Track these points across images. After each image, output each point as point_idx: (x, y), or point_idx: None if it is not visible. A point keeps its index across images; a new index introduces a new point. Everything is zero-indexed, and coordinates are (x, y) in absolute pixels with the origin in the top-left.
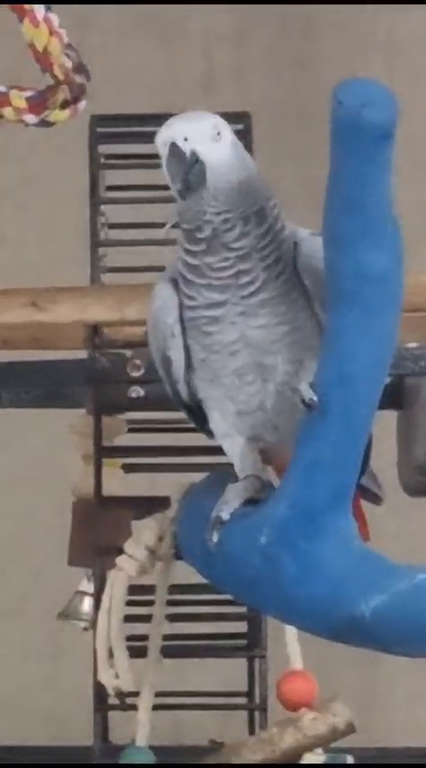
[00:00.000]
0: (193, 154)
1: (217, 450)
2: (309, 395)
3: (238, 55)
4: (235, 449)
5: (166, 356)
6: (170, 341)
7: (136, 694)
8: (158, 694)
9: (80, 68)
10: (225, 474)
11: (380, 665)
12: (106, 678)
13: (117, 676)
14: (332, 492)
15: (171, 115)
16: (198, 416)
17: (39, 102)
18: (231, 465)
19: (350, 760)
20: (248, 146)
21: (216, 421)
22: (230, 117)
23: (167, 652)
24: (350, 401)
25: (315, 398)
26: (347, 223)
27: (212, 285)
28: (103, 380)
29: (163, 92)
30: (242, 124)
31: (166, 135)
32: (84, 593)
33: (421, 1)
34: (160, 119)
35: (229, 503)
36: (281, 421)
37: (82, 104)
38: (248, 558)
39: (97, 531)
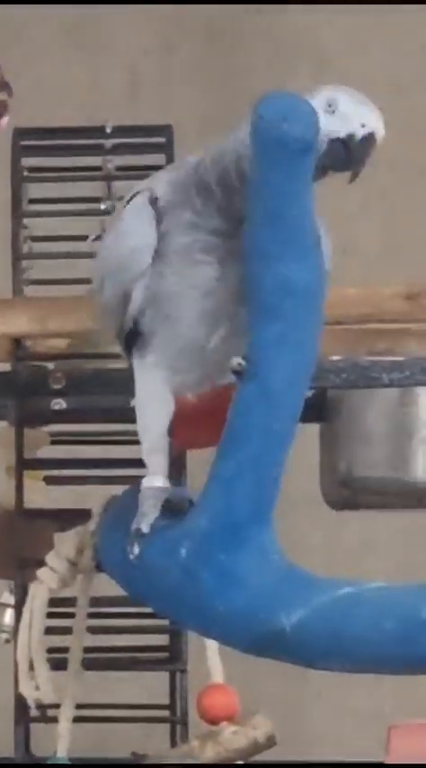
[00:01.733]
0: None
1: (140, 463)
2: (237, 360)
3: (163, 67)
4: (155, 410)
5: (128, 294)
6: (139, 280)
7: (57, 706)
8: (80, 706)
9: (3, 85)
10: None
11: (306, 677)
12: (27, 690)
13: (37, 688)
14: (253, 505)
15: (93, 128)
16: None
17: None
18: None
19: None
20: (170, 159)
21: (149, 360)
22: (151, 130)
23: (88, 664)
24: (271, 414)
25: (242, 363)
26: (269, 237)
27: (221, 208)
28: (25, 393)
29: (87, 104)
30: (163, 137)
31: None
32: (6, 606)
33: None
34: (82, 132)
35: (147, 515)
36: (217, 371)
37: (4, 121)
38: (168, 572)
39: (18, 543)
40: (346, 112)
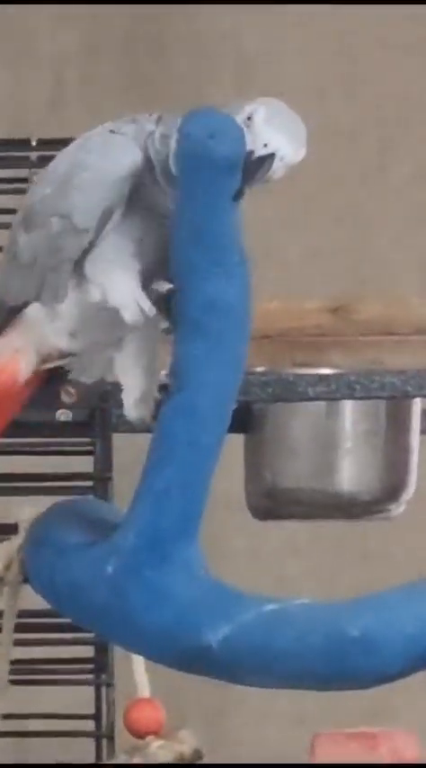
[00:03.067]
0: None
1: (70, 477)
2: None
3: (87, 74)
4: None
5: (108, 211)
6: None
7: None
8: (5, 717)
9: None
10: (74, 501)
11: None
12: None
13: None
14: (180, 520)
15: (18, 140)
16: None
17: None
18: (79, 491)
19: None
20: None
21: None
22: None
23: (13, 677)
24: (199, 429)
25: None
26: (194, 254)
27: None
28: None
29: (10, 112)
30: None
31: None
32: None
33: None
34: (7, 144)
35: None
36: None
37: None
38: (95, 588)
39: None
40: (256, 129)
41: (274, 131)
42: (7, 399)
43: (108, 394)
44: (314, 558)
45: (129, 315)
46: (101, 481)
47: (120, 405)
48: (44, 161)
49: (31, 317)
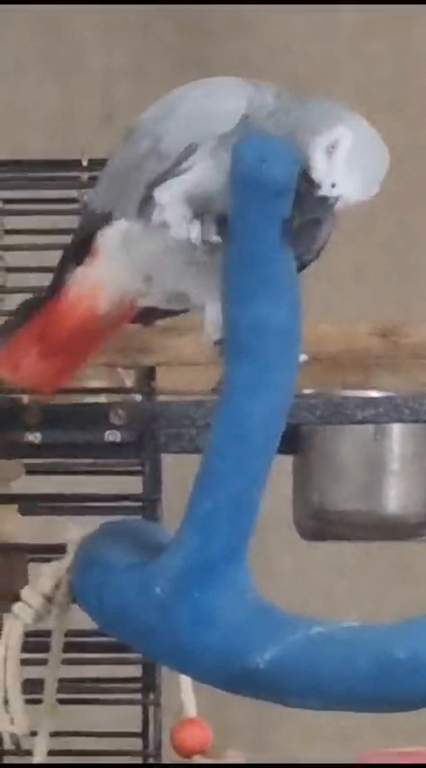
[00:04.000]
0: None
1: (119, 498)
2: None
3: (137, 92)
4: None
5: (193, 147)
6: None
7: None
8: (53, 735)
9: None
10: (123, 522)
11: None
12: (2, 724)
13: (12, 722)
14: (228, 543)
15: (69, 161)
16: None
17: None
18: (128, 512)
19: None
20: None
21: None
22: None
23: (61, 696)
24: (247, 453)
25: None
26: (244, 277)
27: None
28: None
29: (60, 129)
30: None
31: None
32: None
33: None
34: (57, 165)
35: None
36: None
37: None
38: (142, 609)
39: None
40: (333, 163)
41: (350, 172)
42: (86, 334)
43: (157, 414)
44: (360, 579)
45: (176, 231)
46: (149, 502)
47: (170, 424)
48: (94, 181)
49: (110, 246)
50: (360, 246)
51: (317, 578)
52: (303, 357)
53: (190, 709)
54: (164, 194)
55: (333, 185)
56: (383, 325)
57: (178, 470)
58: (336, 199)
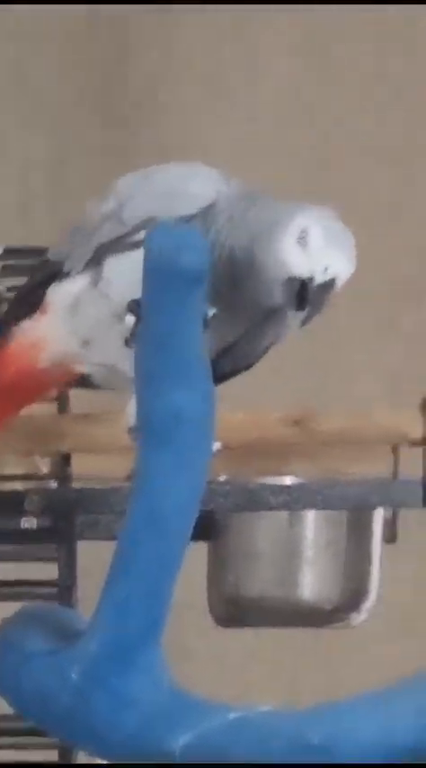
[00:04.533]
0: None
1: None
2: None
3: (55, 181)
4: None
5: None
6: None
7: None
8: None
9: None
10: (39, 608)
11: None
12: None
13: None
14: (143, 628)
15: None
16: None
17: None
18: (43, 598)
19: None
20: None
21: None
22: (43, 251)
23: None
24: (161, 539)
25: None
26: (159, 364)
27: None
28: None
29: None
30: None
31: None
32: None
33: None
34: None
35: None
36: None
37: None
38: (59, 694)
39: None
40: (314, 251)
41: (334, 253)
42: (22, 386)
43: (72, 501)
44: (276, 665)
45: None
46: (64, 588)
47: (86, 511)
48: (9, 270)
49: (60, 305)
50: None
51: (232, 664)
52: (216, 445)
53: None
54: (113, 269)
55: (326, 269)
56: (296, 414)
57: (93, 556)
58: (333, 279)
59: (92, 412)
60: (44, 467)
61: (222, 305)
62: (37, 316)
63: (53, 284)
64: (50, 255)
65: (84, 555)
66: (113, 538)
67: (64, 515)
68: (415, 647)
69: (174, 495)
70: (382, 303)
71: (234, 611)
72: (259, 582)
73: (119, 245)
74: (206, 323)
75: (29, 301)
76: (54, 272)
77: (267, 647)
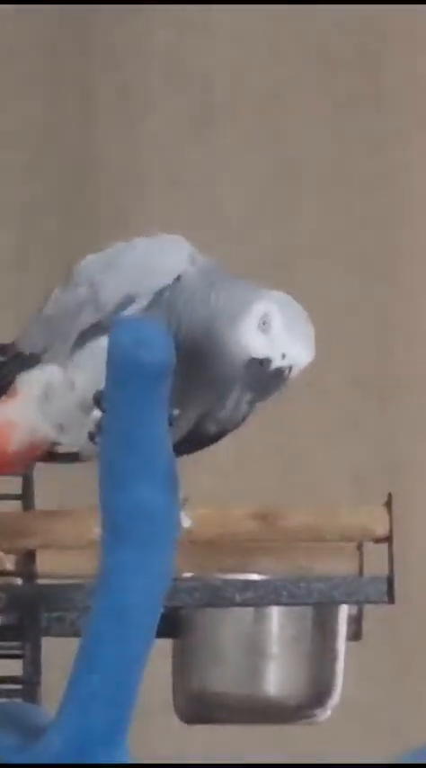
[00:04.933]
0: None
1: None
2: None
3: (16, 284)
4: None
5: (130, 297)
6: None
7: None
8: None
9: None
10: (2, 705)
11: None
12: None
13: None
14: (107, 725)
15: None
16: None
17: None
18: (7, 694)
19: None
20: None
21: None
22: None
23: None
24: (126, 635)
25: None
26: (123, 460)
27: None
28: None
29: None
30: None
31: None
32: None
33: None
34: None
35: None
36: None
37: None
38: None
39: None
40: (274, 336)
41: (293, 340)
42: None
43: (37, 597)
44: (242, 763)
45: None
46: (29, 685)
47: (51, 608)
48: None
49: (30, 393)
50: (239, 431)
51: (198, 763)
52: (187, 522)
53: None
54: (82, 356)
55: (284, 355)
56: (260, 509)
57: (58, 652)
58: (290, 368)
59: (57, 509)
60: (9, 563)
61: (187, 379)
62: (5, 399)
63: (22, 372)
64: (22, 347)
65: (48, 650)
66: (79, 634)
67: (29, 612)
68: (380, 744)
69: (138, 591)
70: (346, 400)
71: (198, 707)
72: (223, 678)
73: (98, 329)
74: (170, 420)
75: None
76: (28, 363)
77: (233, 745)
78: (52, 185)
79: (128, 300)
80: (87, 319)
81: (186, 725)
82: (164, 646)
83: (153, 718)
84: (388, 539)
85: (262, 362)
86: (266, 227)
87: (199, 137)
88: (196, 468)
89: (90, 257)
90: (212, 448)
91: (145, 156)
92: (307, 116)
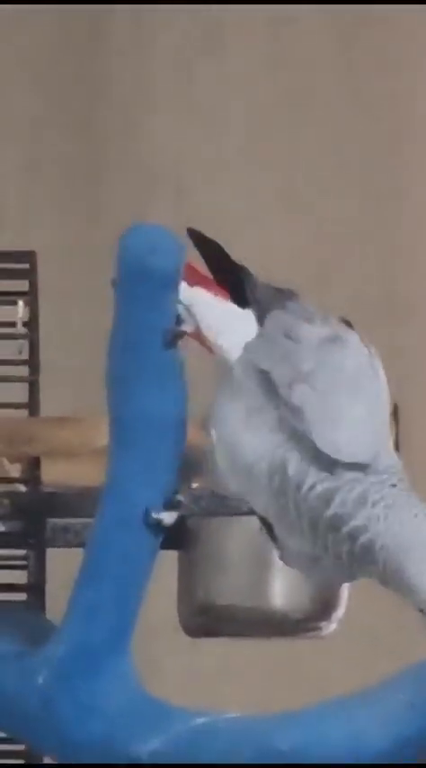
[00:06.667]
0: None
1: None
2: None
3: (26, 194)
4: None
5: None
6: None
7: None
8: None
9: None
10: (7, 612)
11: None
12: None
13: None
14: (111, 633)
15: None
16: None
17: None
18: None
19: None
20: (33, 285)
21: None
22: (14, 255)
23: None
24: (131, 545)
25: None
26: (130, 367)
27: None
28: None
29: None
30: (27, 263)
31: None
32: None
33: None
34: None
35: None
36: None
37: None
38: (25, 699)
39: None
40: None
41: None
42: None
43: (42, 504)
44: (248, 680)
45: None
46: (34, 593)
47: (56, 515)
48: None
49: None
50: None
51: (204, 680)
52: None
53: None
54: None
55: None
56: None
57: (63, 562)
58: None
59: (63, 416)
60: (13, 471)
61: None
62: None
63: None
64: None
65: (52, 560)
66: (83, 545)
67: (34, 519)
68: (385, 657)
69: (144, 497)
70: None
71: (204, 620)
72: (229, 590)
73: None
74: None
75: None
76: None
77: (239, 663)
78: (62, 100)
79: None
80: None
81: (192, 642)
82: (172, 561)
83: (159, 635)
84: (395, 449)
85: None
86: (273, 146)
87: (210, 55)
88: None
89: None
90: None
91: (155, 72)
92: (315, 40)
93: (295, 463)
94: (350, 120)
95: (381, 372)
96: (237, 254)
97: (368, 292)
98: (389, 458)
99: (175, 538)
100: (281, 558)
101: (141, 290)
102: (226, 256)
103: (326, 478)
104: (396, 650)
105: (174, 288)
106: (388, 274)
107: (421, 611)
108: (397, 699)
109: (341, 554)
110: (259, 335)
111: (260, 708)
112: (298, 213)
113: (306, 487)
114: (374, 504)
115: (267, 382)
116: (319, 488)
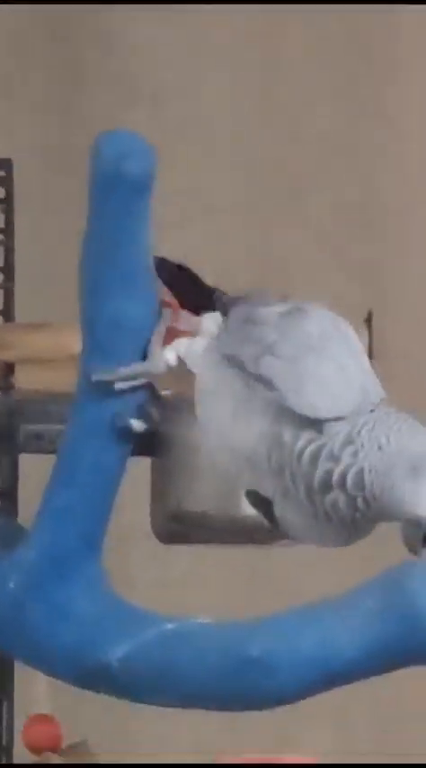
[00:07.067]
0: None
1: None
2: None
3: (2, 102)
4: None
5: None
6: None
7: None
8: None
9: None
10: None
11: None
12: None
13: None
14: (81, 538)
15: None
16: None
17: None
18: None
19: None
20: (9, 192)
21: None
22: None
23: None
24: (101, 450)
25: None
26: (103, 273)
27: None
28: None
29: None
30: (3, 171)
31: None
32: None
33: None
34: None
35: None
36: None
37: None
38: None
39: None
40: None
41: None
42: None
43: (15, 409)
44: (221, 590)
45: None
46: (6, 498)
47: (29, 420)
48: None
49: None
50: None
51: (175, 586)
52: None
53: (42, 705)
54: None
55: None
56: None
57: (36, 468)
58: None
59: (36, 321)
60: None
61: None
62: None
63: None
64: None
65: (25, 466)
66: (56, 452)
67: (7, 425)
68: (357, 565)
69: (116, 403)
70: (329, 227)
71: (176, 527)
72: (201, 497)
73: None
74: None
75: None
76: None
77: (212, 572)
78: (39, 8)
79: None
80: None
81: (164, 548)
82: (144, 468)
83: (131, 542)
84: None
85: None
86: (252, 56)
87: None
88: None
89: None
90: None
91: None
92: None
93: (287, 435)
94: (331, 25)
95: (349, 330)
96: (213, 163)
97: (345, 202)
98: (376, 396)
99: (148, 444)
100: (282, 535)
101: (114, 196)
102: (198, 281)
103: (316, 438)
104: (368, 557)
105: (147, 192)
106: (366, 185)
107: (408, 520)
108: (367, 606)
109: (340, 510)
110: (221, 329)
111: (231, 614)
112: (276, 124)
113: (297, 452)
114: (358, 435)
115: (242, 370)
116: (310, 449)
